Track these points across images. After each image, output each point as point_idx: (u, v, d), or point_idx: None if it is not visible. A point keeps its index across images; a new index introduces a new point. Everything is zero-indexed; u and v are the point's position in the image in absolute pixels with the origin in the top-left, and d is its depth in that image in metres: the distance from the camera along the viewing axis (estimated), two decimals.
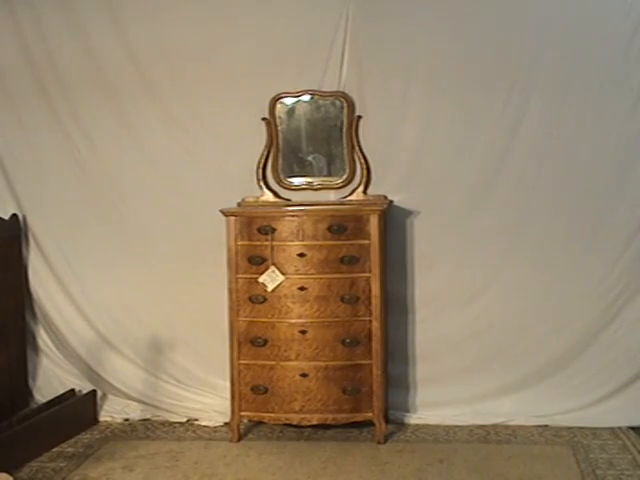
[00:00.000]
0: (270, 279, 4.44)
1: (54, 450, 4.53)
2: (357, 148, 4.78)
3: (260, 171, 4.84)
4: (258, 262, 4.45)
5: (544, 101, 4.63)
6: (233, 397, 4.57)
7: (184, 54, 4.83)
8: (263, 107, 4.80)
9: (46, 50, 4.92)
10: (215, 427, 4.82)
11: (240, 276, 4.49)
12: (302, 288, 4.43)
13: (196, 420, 4.91)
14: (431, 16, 4.67)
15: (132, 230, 4.96)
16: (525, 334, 4.80)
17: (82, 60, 4.90)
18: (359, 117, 4.78)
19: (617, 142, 4.62)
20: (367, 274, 4.45)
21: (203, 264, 4.85)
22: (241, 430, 4.64)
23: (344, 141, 4.81)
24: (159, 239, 4.94)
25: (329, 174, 4.87)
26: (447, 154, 4.76)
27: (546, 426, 4.70)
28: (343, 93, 4.76)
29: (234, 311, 4.52)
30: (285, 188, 4.88)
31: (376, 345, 4.48)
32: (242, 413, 4.58)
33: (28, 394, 5.13)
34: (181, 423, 4.89)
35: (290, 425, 4.63)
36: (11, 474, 3.98)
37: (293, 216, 4.48)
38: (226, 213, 4.50)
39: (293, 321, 4.47)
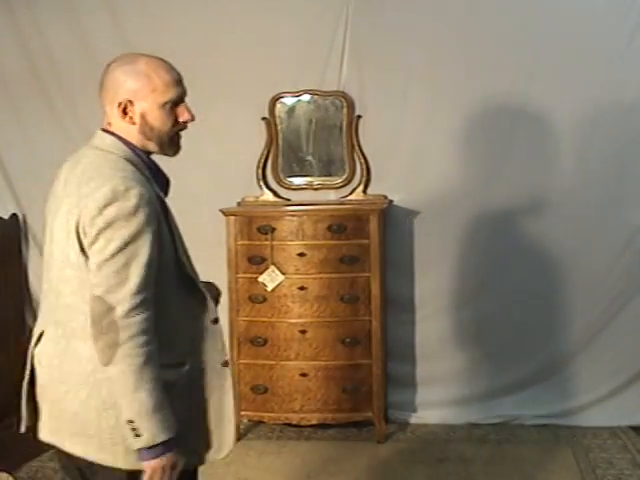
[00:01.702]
0: (270, 279, 4.44)
1: (54, 450, 4.52)
2: (357, 148, 4.78)
3: (260, 171, 4.84)
4: (258, 262, 4.45)
5: (544, 101, 4.63)
6: (233, 397, 4.56)
7: (184, 54, 4.80)
8: (263, 107, 4.80)
9: (46, 49, 4.93)
10: None
11: (240, 276, 4.50)
12: (302, 288, 4.44)
13: None
14: (431, 16, 4.67)
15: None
16: (525, 334, 4.79)
17: (82, 59, 4.90)
18: (359, 117, 4.78)
19: (617, 142, 4.62)
20: (367, 274, 4.45)
21: (203, 264, 4.83)
22: (241, 430, 4.64)
23: (344, 141, 4.81)
24: None
25: (329, 174, 4.88)
26: (447, 154, 4.76)
27: (546, 426, 4.71)
28: (343, 93, 4.76)
29: (234, 311, 4.52)
30: (285, 188, 4.88)
31: (376, 345, 4.48)
32: (242, 413, 4.58)
33: None
34: None
35: (290, 425, 4.64)
36: (11, 474, 3.98)
37: (293, 216, 4.48)
38: (226, 213, 4.50)
39: (293, 321, 4.47)
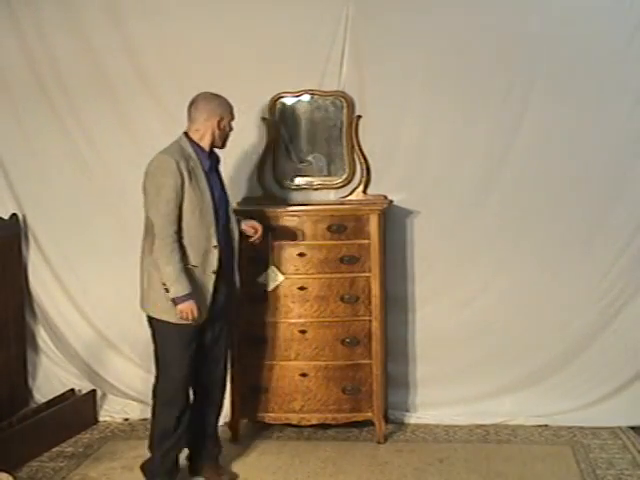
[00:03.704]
0: (270, 279, 4.44)
1: (54, 450, 4.53)
2: (357, 148, 4.78)
3: (260, 171, 4.84)
4: (258, 262, 4.45)
5: (544, 101, 4.63)
6: (233, 397, 4.57)
7: (185, 54, 4.83)
8: (263, 107, 4.80)
9: (46, 50, 4.92)
10: None
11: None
12: (302, 288, 4.44)
13: None
14: (431, 16, 4.67)
15: (132, 230, 4.94)
16: (525, 334, 4.80)
17: (83, 60, 4.90)
18: (359, 117, 4.78)
19: (617, 142, 4.62)
20: (367, 274, 4.45)
21: None
22: (241, 430, 4.64)
23: (344, 141, 4.81)
24: None
25: (329, 174, 4.87)
26: (447, 154, 4.76)
27: (546, 426, 4.71)
28: (343, 93, 4.76)
29: (234, 311, 4.52)
30: (285, 188, 4.88)
31: (376, 345, 4.48)
32: (242, 413, 4.58)
33: (28, 394, 5.13)
34: None
35: (290, 425, 4.63)
36: (11, 474, 3.98)
37: (293, 216, 4.48)
38: None
39: (293, 321, 4.47)
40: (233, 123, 4.04)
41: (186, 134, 3.99)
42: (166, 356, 3.97)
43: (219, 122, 3.96)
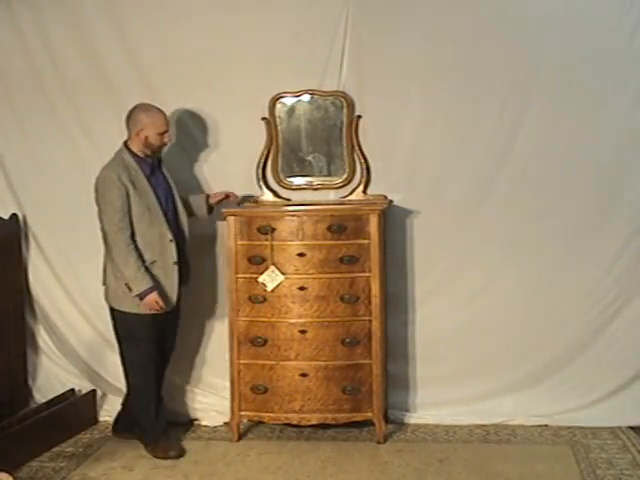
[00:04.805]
0: (270, 279, 4.44)
1: (54, 450, 4.53)
2: (357, 148, 4.78)
3: (260, 171, 4.84)
4: (258, 262, 4.45)
5: (544, 101, 4.63)
6: (233, 397, 4.58)
7: (186, 56, 4.83)
8: (263, 107, 4.80)
9: (47, 51, 4.92)
10: (215, 427, 4.82)
11: (240, 276, 4.50)
12: (302, 288, 4.44)
13: (196, 420, 4.91)
14: (431, 16, 4.67)
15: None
16: (525, 334, 4.80)
17: (83, 61, 4.90)
18: (359, 117, 4.78)
19: (616, 142, 4.62)
20: (367, 274, 4.45)
21: (203, 264, 4.85)
22: (241, 430, 4.65)
23: (344, 141, 4.81)
24: None
25: (329, 174, 4.87)
26: (447, 154, 4.76)
27: (546, 426, 4.71)
28: (343, 93, 4.76)
29: (234, 311, 4.52)
30: (285, 188, 4.88)
31: (376, 345, 4.48)
32: (242, 413, 4.59)
33: (28, 394, 5.13)
34: (181, 423, 4.89)
35: (290, 425, 4.64)
36: (11, 474, 3.97)
37: (293, 216, 4.48)
38: (226, 213, 4.51)
39: (293, 321, 4.47)
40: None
41: (125, 142, 4.36)
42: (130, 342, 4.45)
43: (139, 132, 4.30)
